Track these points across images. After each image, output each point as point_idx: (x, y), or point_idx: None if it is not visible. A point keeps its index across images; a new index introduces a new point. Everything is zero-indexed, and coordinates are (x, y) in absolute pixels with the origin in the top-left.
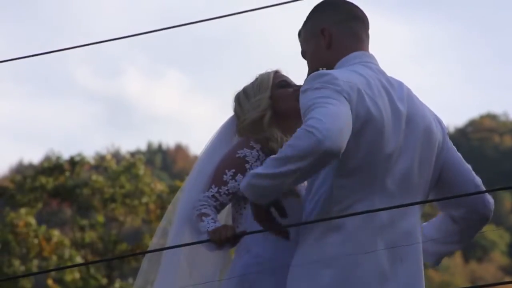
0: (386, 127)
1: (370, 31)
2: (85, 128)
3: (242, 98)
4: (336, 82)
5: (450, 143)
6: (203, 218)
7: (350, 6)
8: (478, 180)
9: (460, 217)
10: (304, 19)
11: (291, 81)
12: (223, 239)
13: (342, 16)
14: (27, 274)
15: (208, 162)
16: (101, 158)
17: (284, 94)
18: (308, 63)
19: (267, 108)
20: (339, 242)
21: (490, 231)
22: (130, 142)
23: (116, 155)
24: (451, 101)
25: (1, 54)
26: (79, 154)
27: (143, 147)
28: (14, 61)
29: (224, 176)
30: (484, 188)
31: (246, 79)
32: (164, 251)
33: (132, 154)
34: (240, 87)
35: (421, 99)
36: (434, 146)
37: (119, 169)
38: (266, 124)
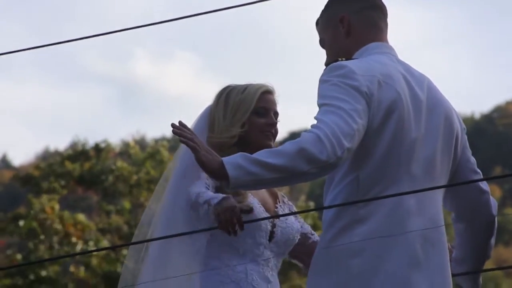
0: (407, 114)
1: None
2: (105, 114)
3: (221, 107)
4: (354, 76)
5: (467, 144)
6: (200, 197)
7: None
8: (485, 187)
9: (465, 223)
10: (323, 7)
11: (272, 108)
12: (233, 224)
13: (361, 4)
14: (51, 258)
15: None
16: (125, 145)
17: (255, 124)
18: (326, 51)
19: (235, 136)
20: (366, 233)
21: None
22: (154, 129)
23: (141, 142)
24: (476, 87)
25: (19, 42)
26: (105, 141)
27: (168, 133)
28: (32, 49)
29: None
30: (491, 198)
31: (257, 60)
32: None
33: (156, 141)
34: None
35: (444, 85)
36: (453, 135)
37: (143, 156)
38: (227, 147)
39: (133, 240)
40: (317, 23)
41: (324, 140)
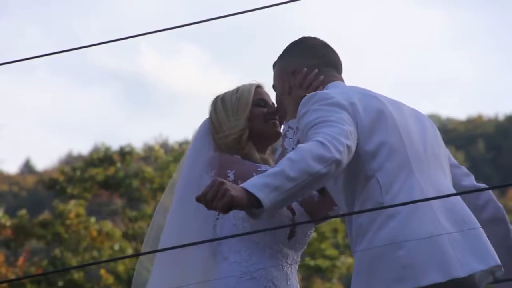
0: (396, 113)
1: (406, 17)
2: (120, 117)
3: (220, 111)
4: (328, 96)
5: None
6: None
7: (326, 51)
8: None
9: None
10: (281, 53)
11: (269, 99)
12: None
13: (315, 61)
14: (77, 266)
15: (194, 165)
16: (149, 149)
17: (258, 114)
18: (276, 97)
19: (244, 128)
20: (401, 224)
21: None
22: (166, 126)
23: (164, 146)
24: (500, 88)
25: (33, 42)
26: (129, 145)
27: (190, 137)
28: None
29: (228, 172)
30: (495, 202)
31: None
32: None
33: (180, 144)
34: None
35: (467, 86)
36: (440, 139)
37: (168, 159)
38: (244, 142)
39: (145, 239)
40: (274, 66)
41: (325, 142)
